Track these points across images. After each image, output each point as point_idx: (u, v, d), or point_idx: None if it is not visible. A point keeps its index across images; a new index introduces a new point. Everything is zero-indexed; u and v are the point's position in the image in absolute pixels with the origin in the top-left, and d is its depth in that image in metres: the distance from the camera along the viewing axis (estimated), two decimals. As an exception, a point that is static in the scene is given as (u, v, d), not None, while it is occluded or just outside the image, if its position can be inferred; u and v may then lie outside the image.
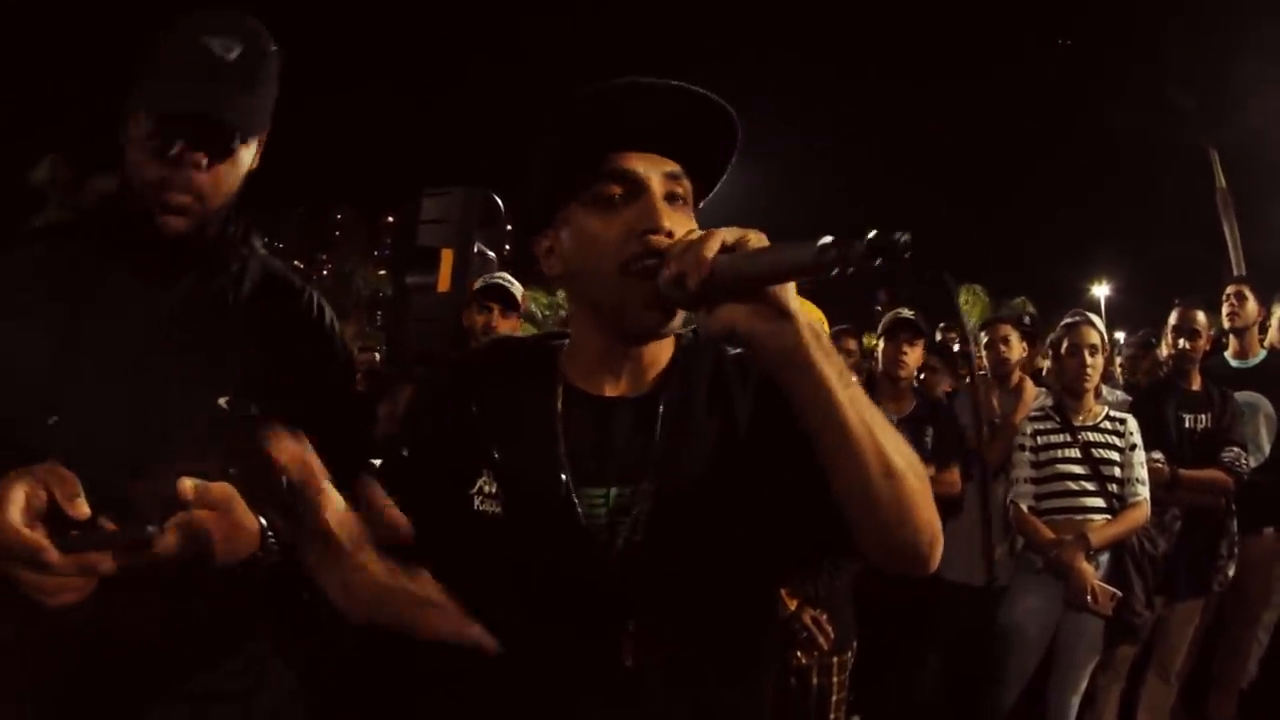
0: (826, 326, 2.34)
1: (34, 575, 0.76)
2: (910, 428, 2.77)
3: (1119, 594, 2.43)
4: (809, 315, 0.74)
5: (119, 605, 0.85)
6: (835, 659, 2.28)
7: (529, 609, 0.88)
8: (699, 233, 0.76)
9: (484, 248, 4.05)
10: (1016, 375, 3.26)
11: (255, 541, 0.95)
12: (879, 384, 2.99)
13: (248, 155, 1.15)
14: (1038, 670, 2.59)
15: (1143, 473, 2.57)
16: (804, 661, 2.23)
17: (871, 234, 0.62)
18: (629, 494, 0.89)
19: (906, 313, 3.08)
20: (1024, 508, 2.62)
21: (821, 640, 2.13)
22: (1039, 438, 2.68)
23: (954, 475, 2.76)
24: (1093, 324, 2.72)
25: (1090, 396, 2.68)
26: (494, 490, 0.91)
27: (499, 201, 4.03)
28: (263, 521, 0.97)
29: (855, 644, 2.36)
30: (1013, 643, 2.59)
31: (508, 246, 3.84)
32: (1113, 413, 2.69)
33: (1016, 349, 3.25)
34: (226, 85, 1.06)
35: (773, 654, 1.05)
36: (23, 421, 1.01)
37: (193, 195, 1.09)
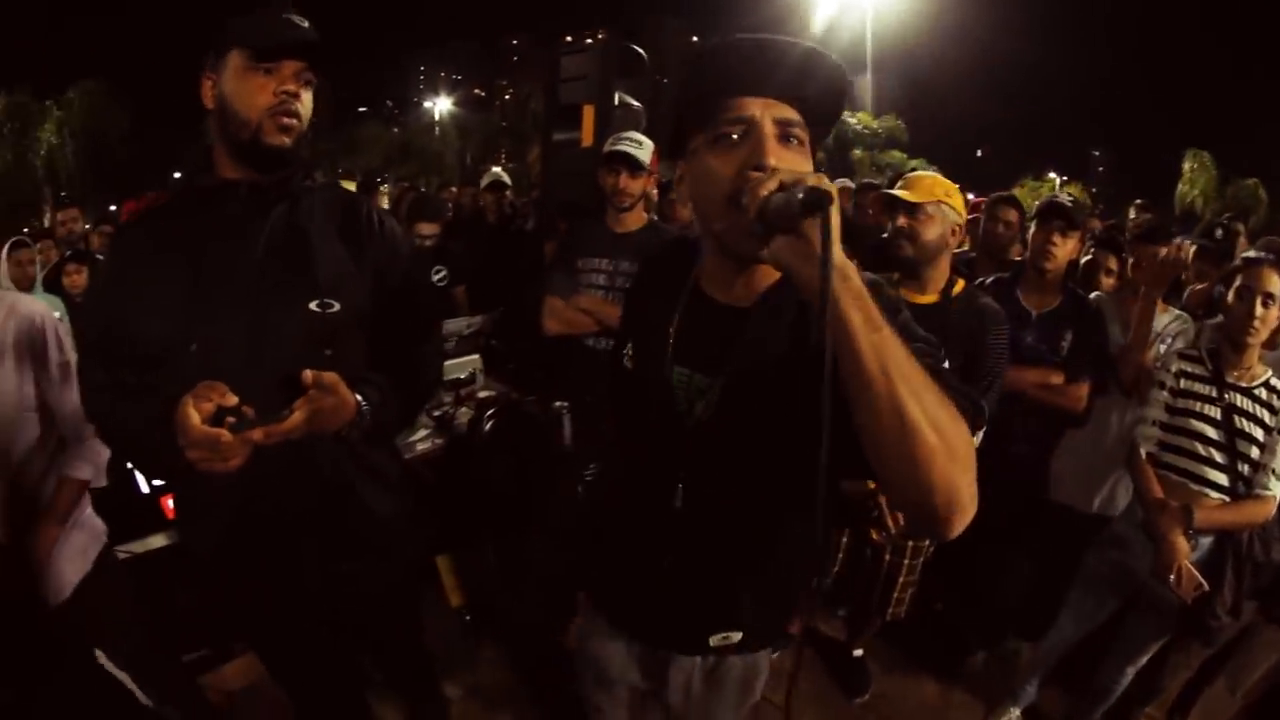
0: (960, 202, 2.25)
1: (211, 456, 1.18)
2: (1048, 325, 2.63)
3: (1205, 586, 2.17)
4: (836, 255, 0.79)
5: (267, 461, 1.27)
6: (910, 543, 2.39)
7: (632, 445, 1.28)
8: (775, 173, 0.84)
9: (628, 98, 4.02)
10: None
11: (354, 410, 1.37)
12: (1024, 270, 2.73)
13: (313, 95, 1.44)
14: (1109, 621, 2.47)
15: (1283, 466, 2.15)
16: (877, 539, 2.34)
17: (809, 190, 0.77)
18: (706, 381, 1.13)
19: (1064, 198, 2.76)
20: (1143, 453, 2.32)
21: (889, 522, 2.22)
22: (1182, 380, 2.31)
23: (1081, 390, 2.57)
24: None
25: (1253, 353, 2.23)
26: (632, 353, 1.24)
27: (639, 51, 3.96)
28: (357, 396, 1.39)
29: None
30: (1092, 584, 2.46)
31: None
32: (1275, 381, 2.22)
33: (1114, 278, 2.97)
34: (305, 29, 1.37)
35: (804, 544, 1.21)
36: (171, 353, 1.37)
37: (297, 117, 1.40)
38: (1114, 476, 2.71)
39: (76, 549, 1.86)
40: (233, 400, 1.20)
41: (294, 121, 1.40)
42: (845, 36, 27.12)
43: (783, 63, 0.97)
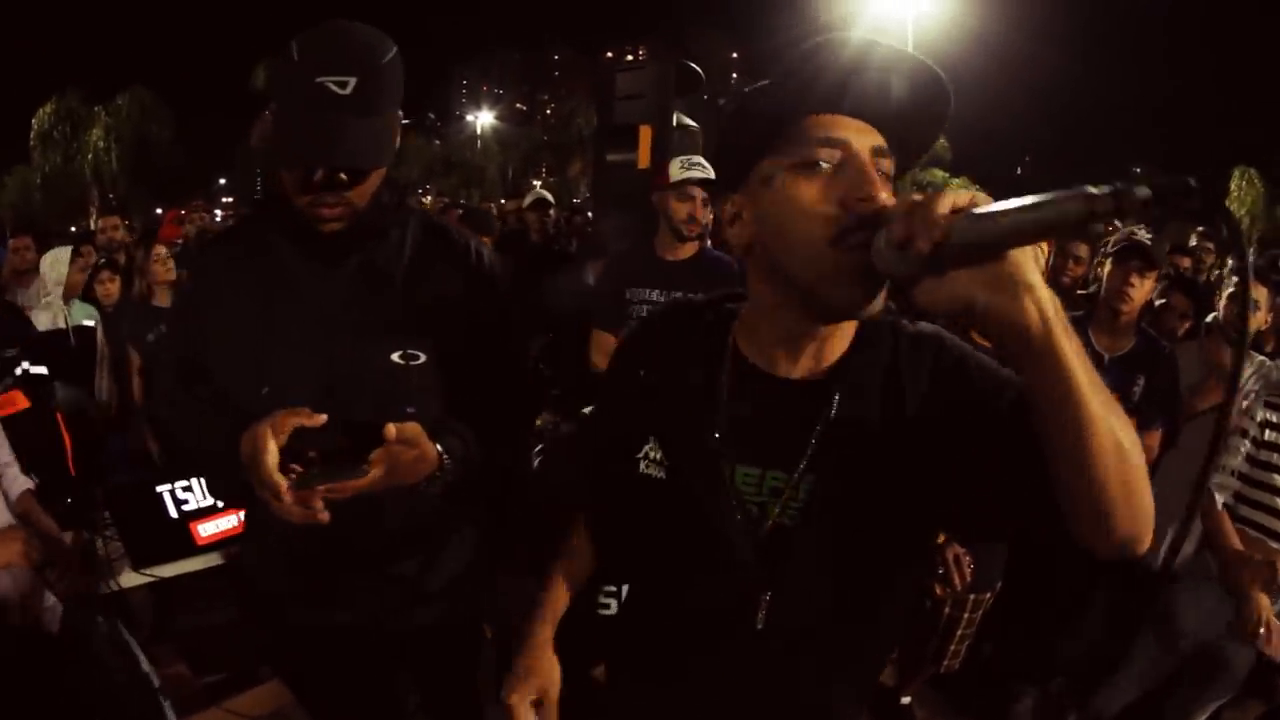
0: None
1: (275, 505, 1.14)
2: (1120, 370, 2.49)
3: None
4: (1044, 283, 0.68)
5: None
6: (972, 596, 2.31)
7: (679, 565, 0.99)
8: (923, 195, 0.70)
9: (685, 118, 3.94)
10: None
11: (435, 464, 1.25)
12: (1096, 312, 2.58)
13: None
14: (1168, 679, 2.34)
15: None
16: (940, 594, 2.23)
17: (1152, 184, 0.59)
18: (784, 479, 0.91)
19: (1143, 235, 2.58)
20: (1220, 502, 2.14)
21: (956, 579, 2.12)
22: (1267, 431, 2.12)
23: (1151, 440, 2.45)
24: None
25: None
26: (659, 457, 0.97)
27: (696, 69, 3.90)
28: (439, 448, 1.26)
29: (999, 586, 2.34)
30: (1158, 641, 2.31)
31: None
32: None
33: (1262, 314, 2.61)
34: (347, 119, 1.15)
35: (899, 627, 1.07)
36: (242, 392, 1.28)
37: (341, 205, 1.25)
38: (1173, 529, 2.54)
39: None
40: (319, 419, 1.15)
41: (335, 211, 1.26)
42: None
43: (882, 81, 0.81)
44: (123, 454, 3.66)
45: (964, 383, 0.86)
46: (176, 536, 2.22)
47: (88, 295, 3.92)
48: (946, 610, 2.33)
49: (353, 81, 1.13)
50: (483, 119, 46.23)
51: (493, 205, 10.61)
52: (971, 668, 2.59)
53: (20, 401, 2.70)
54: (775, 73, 0.84)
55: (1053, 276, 3.13)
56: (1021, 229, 0.63)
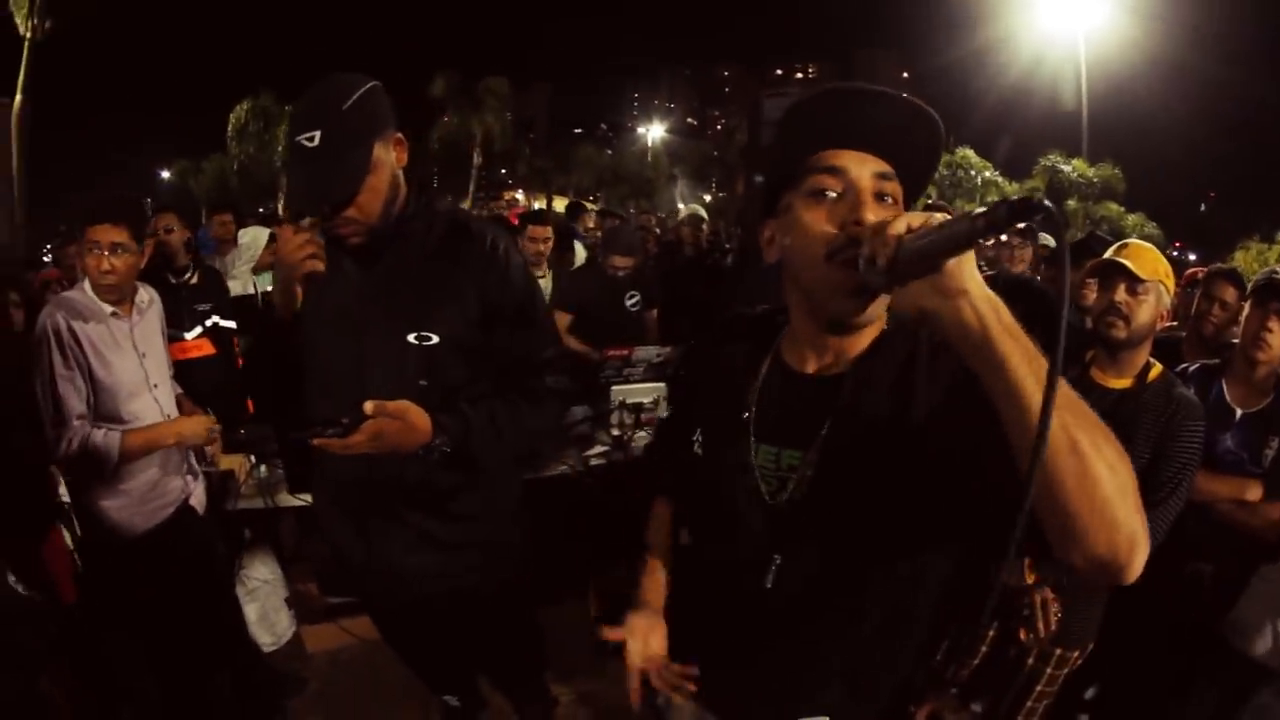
0: (1171, 278, 2.03)
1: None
2: (1252, 429, 2.22)
3: None
4: (983, 289, 0.75)
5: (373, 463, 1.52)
6: (1058, 650, 2.18)
7: (713, 529, 1.17)
8: (901, 216, 0.79)
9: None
10: None
11: (426, 436, 1.48)
12: (1233, 359, 2.29)
13: (380, 178, 1.50)
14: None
15: None
16: (1025, 638, 2.09)
17: (1011, 202, 0.67)
18: (798, 458, 1.06)
19: None
20: None
21: (1040, 624, 1.97)
22: None
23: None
24: None
25: None
26: (702, 438, 1.17)
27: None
28: (441, 420, 1.50)
29: (1090, 648, 2.19)
30: None
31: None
32: None
33: None
34: (316, 167, 1.44)
35: (909, 621, 1.07)
36: (308, 359, 1.63)
37: (351, 224, 1.52)
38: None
39: None
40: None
41: (348, 230, 1.52)
42: (1054, 73, 24.41)
43: (877, 115, 0.95)
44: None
45: (975, 397, 0.83)
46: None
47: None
48: (1030, 661, 2.21)
49: (318, 134, 1.42)
50: (654, 132, 46.91)
51: (651, 217, 11.06)
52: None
53: (208, 348, 3.21)
54: (789, 119, 1.00)
55: (1196, 323, 2.83)
56: (937, 245, 0.73)
